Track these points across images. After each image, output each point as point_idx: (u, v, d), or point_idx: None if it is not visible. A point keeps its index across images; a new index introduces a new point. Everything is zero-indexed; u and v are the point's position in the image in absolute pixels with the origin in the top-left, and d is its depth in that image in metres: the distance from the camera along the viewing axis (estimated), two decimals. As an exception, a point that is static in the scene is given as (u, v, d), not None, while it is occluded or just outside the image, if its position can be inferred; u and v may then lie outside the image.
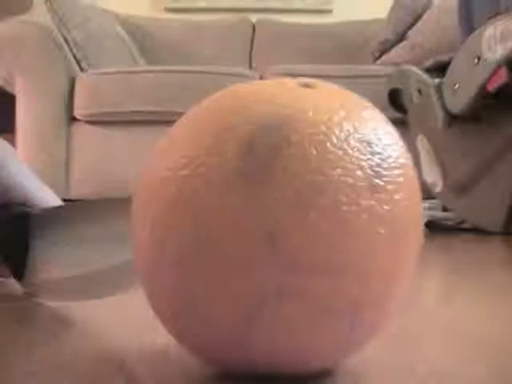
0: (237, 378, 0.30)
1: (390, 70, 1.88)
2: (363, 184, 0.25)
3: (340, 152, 0.25)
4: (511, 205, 1.39)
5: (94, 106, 2.04)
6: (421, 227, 0.28)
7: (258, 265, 0.24)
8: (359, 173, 0.25)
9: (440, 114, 1.47)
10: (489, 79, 1.32)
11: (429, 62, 2.19)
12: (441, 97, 1.48)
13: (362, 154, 0.25)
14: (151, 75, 2.08)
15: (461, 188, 1.53)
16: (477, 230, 1.50)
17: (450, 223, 1.59)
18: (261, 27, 2.86)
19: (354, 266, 0.24)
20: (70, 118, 2.06)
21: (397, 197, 0.26)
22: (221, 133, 0.25)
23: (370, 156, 0.25)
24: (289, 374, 0.28)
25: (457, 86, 1.42)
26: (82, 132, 2.06)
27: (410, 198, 0.26)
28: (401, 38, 2.44)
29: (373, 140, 0.26)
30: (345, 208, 0.24)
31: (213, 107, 0.27)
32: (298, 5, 3.20)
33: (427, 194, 1.71)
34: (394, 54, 2.36)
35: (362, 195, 0.24)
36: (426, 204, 1.70)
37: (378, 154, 0.25)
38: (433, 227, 1.59)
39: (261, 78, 2.12)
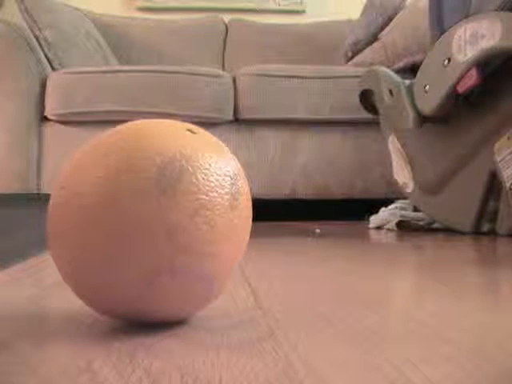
0: (134, 325, 0.44)
1: (362, 70, 1.89)
2: (227, 203, 0.41)
3: (215, 181, 0.41)
4: (481, 205, 1.41)
5: (65, 105, 2.02)
6: (250, 222, 0.45)
7: (157, 249, 0.38)
8: (226, 196, 0.41)
9: (411, 115, 1.48)
10: (459, 81, 1.34)
11: (400, 63, 2.21)
12: (412, 97, 1.49)
13: (227, 183, 0.41)
14: (124, 75, 2.07)
15: (431, 188, 1.54)
16: (447, 230, 1.52)
17: (420, 223, 1.61)
18: (234, 27, 2.86)
19: (216, 253, 0.41)
20: (41, 118, 2.04)
21: (245, 213, 0.43)
22: (137, 160, 0.39)
23: (231, 185, 0.42)
24: (172, 321, 0.44)
25: (427, 86, 1.43)
26: (53, 132, 2.04)
27: (247, 207, 0.44)
28: (373, 38, 2.45)
29: (232, 173, 0.42)
30: (217, 218, 0.40)
31: (120, 137, 0.41)
32: (271, 5, 3.20)
33: (398, 194, 1.73)
34: (366, 54, 2.37)
35: (227, 210, 0.41)
36: (398, 204, 1.71)
37: (235, 184, 0.42)
38: (404, 227, 1.60)
39: (234, 78, 2.12)
